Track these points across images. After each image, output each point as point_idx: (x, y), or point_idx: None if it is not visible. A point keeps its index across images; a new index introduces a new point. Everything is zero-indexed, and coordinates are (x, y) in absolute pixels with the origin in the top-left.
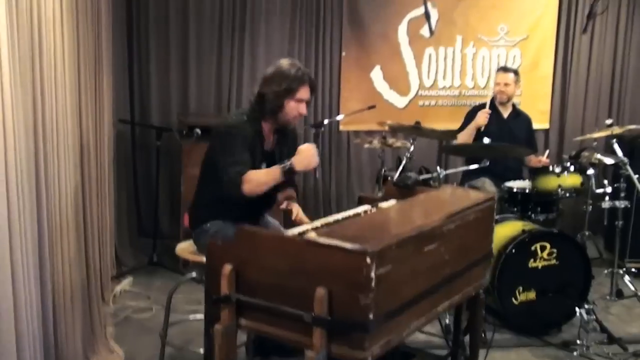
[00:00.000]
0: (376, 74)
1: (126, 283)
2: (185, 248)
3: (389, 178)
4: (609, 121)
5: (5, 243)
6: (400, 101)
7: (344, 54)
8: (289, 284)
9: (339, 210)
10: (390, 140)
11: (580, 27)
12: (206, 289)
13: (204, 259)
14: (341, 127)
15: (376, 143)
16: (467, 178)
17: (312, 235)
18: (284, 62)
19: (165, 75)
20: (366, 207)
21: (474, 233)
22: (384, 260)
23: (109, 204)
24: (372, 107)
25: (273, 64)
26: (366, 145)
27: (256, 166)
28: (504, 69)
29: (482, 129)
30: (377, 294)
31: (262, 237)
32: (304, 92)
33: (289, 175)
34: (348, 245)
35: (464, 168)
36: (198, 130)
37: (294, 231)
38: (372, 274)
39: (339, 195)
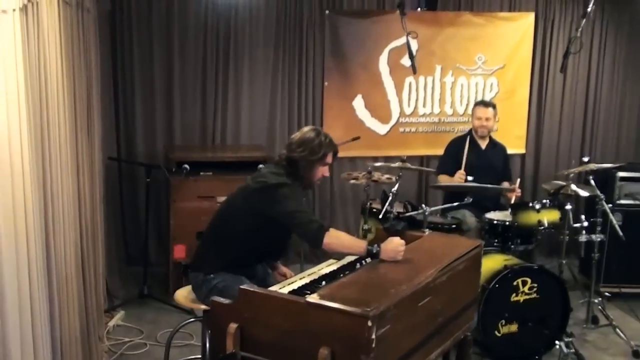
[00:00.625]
0: (358, 103)
1: (118, 317)
2: (185, 296)
3: (384, 221)
4: (585, 158)
5: (22, 295)
6: (381, 128)
7: (326, 83)
8: (293, 343)
9: None
10: (376, 176)
11: (555, 59)
12: (210, 345)
13: (204, 307)
14: None
15: (362, 179)
16: (448, 209)
17: (315, 297)
18: (310, 130)
19: (151, 111)
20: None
21: (463, 281)
22: (384, 321)
23: (101, 240)
24: (356, 138)
25: (299, 131)
26: (352, 181)
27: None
28: (484, 104)
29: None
30: (378, 353)
31: (265, 298)
32: (330, 157)
33: (370, 256)
34: (350, 308)
35: (448, 205)
36: (186, 166)
37: (283, 284)
38: (373, 336)
39: (323, 220)
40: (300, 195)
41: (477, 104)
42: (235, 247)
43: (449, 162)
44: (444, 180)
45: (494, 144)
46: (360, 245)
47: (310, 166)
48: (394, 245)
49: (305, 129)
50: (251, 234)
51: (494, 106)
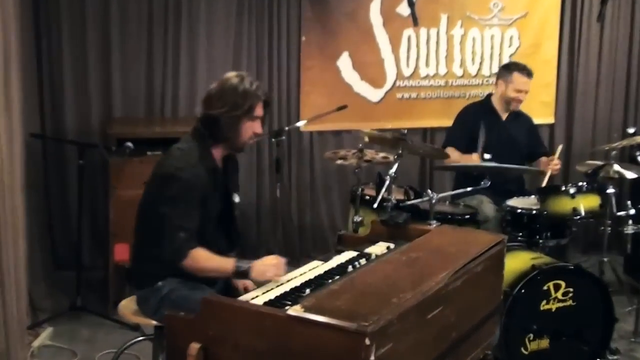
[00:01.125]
0: (344, 63)
1: (45, 336)
2: (130, 307)
3: (380, 212)
4: (631, 130)
5: None
6: (374, 94)
7: (303, 38)
8: None
9: (301, 238)
10: (369, 155)
11: (590, 5)
12: None
13: (154, 322)
14: (302, 129)
15: (351, 159)
16: (460, 196)
17: (298, 310)
18: (233, 77)
19: (83, 77)
20: (351, 253)
21: (482, 286)
22: (385, 338)
23: (22, 238)
24: (342, 108)
25: (219, 80)
26: (338, 162)
27: (214, 208)
28: (528, 72)
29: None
30: None
31: (235, 310)
32: (259, 109)
33: (239, 276)
34: (343, 323)
35: (461, 191)
36: (129, 144)
37: (257, 293)
38: (372, 357)
39: (302, 217)
40: (192, 199)
41: (516, 68)
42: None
43: (459, 135)
44: (453, 156)
45: (516, 114)
46: (227, 266)
47: (235, 123)
48: (268, 261)
49: (226, 75)
50: None
51: (533, 74)
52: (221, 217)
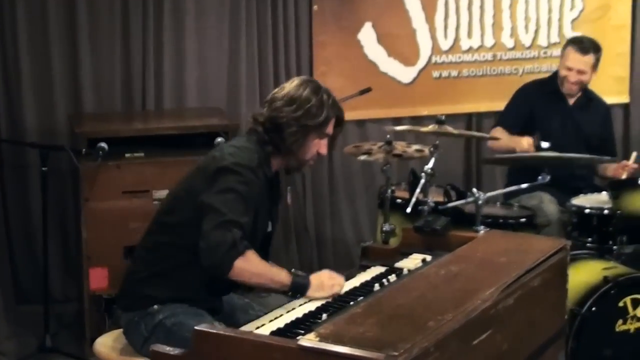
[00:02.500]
0: (367, 35)
1: None
2: (110, 345)
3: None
4: None
5: None
6: (405, 74)
7: (315, 7)
8: None
9: (320, 253)
10: (399, 148)
11: None
12: None
13: None
14: None
15: (377, 153)
16: (513, 194)
17: (311, 339)
18: (307, 82)
19: (46, 66)
20: (378, 269)
21: (541, 304)
22: None
23: None
24: (365, 91)
25: (289, 82)
26: (362, 158)
27: (262, 227)
28: (582, 47)
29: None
30: None
31: (235, 343)
32: (331, 127)
33: (293, 293)
34: (367, 353)
35: (514, 188)
36: (103, 145)
37: (263, 321)
38: None
39: (320, 227)
40: (251, 200)
41: (570, 43)
42: (185, 266)
43: (514, 115)
44: (501, 138)
45: (588, 99)
46: (283, 278)
47: (303, 135)
48: (323, 275)
49: (296, 81)
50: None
51: (596, 50)
52: (262, 244)
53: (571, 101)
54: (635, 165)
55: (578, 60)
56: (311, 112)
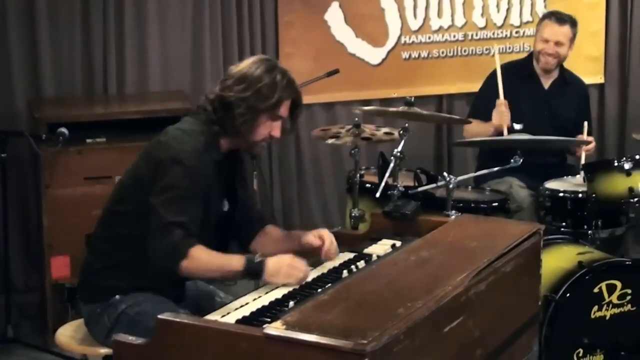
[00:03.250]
0: (334, 16)
1: None
2: (72, 336)
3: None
4: None
5: None
6: (373, 55)
7: None
8: None
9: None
10: (368, 131)
11: None
12: None
13: (103, 351)
14: None
15: (345, 137)
16: (485, 178)
17: (278, 327)
18: (263, 60)
19: (3, 51)
20: (346, 255)
21: (514, 290)
22: (390, 359)
23: None
24: (333, 72)
25: (245, 61)
26: (330, 141)
27: (214, 211)
28: (559, 18)
29: (506, 131)
30: None
31: (199, 332)
32: (285, 109)
33: (250, 276)
34: (334, 341)
35: (486, 171)
36: (64, 130)
37: (228, 309)
38: None
39: (288, 213)
40: (197, 191)
41: (546, 15)
42: (143, 255)
43: (487, 104)
44: (474, 129)
45: (564, 81)
46: (237, 263)
47: (253, 116)
48: (283, 263)
49: (252, 58)
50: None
51: (573, 24)
52: (219, 224)
53: (547, 85)
54: (590, 139)
55: (555, 32)
56: (262, 92)
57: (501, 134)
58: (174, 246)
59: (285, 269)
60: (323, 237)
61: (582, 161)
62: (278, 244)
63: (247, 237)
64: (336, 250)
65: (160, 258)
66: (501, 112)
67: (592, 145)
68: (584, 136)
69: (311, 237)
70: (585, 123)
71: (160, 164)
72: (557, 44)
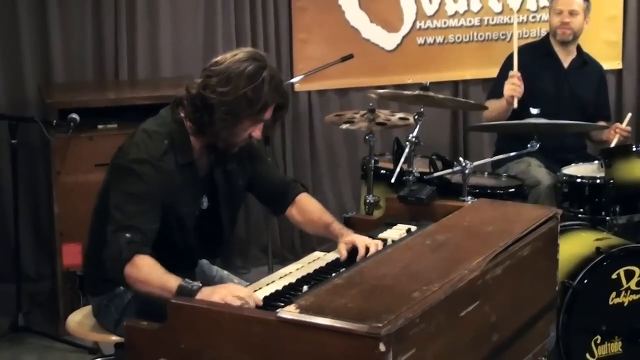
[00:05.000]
0: (348, 0)
1: None
2: (83, 323)
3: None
4: None
5: None
6: (388, 40)
7: None
8: None
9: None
10: (383, 117)
11: None
12: None
13: (115, 338)
14: (297, 87)
15: (360, 122)
16: (501, 163)
17: (291, 311)
18: (249, 58)
19: (13, 34)
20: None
21: (531, 275)
22: (405, 343)
23: None
24: (347, 58)
25: (230, 53)
26: (344, 127)
27: (189, 214)
28: None
29: (516, 103)
30: None
31: (212, 316)
32: (269, 112)
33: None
34: (349, 325)
35: (503, 156)
36: (74, 116)
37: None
38: None
39: None
40: (152, 195)
41: None
42: None
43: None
44: (490, 108)
45: (583, 61)
46: (170, 284)
47: (234, 122)
48: (229, 288)
49: (239, 54)
50: None
51: None
52: (200, 223)
53: (566, 64)
54: (628, 128)
55: (568, 2)
56: (246, 98)
57: (516, 111)
58: (120, 250)
59: (222, 290)
60: (357, 245)
61: (613, 144)
62: (315, 229)
63: (280, 208)
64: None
65: (108, 261)
66: (513, 84)
67: (627, 131)
68: (624, 125)
69: (342, 249)
70: (629, 114)
71: (114, 168)
72: (571, 13)
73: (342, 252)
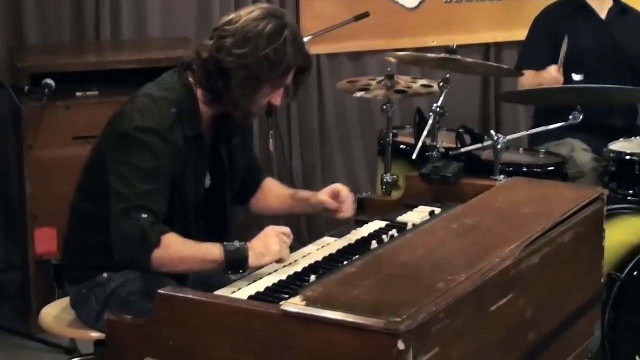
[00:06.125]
0: None
1: None
2: (59, 317)
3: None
4: None
5: None
6: None
7: None
8: None
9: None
10: (403, 83)
11: None
12: None
13: (95, 335)
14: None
15: (376, 90)
16: (540, 139)
17: (297, 303)
18: (268, 16)
19: None
20: (377, 224)
21: (572, 265)
22: (427, 341)
23: None
24: (362, 16)
25: (245, 11)
26: (359, 95)
27: (192, 193)
28: None
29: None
30: None
31: (207, 309)
32: (291, 76)
33: (232, 268)
34: (363, 320)
35: (541, 129)
36: (50, 82)
37: (239, 285)
38: None
39: (309, 180)
40: (164, 160)
41: None
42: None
43: (539, 49)
44: (530, 80)
45: (622, 9)
46: (212, 253)
47: (254, 87)
48: (269, 238)
49: (256, 12)
50: None
51: None
52: (202, 205)
53: (603, 14)
54: None
55: None
56: (267, 60)
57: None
58: (144, 234)
59: (273, 248)
60: (340, 194)
61: None
62: (282, 202)
63: (247, 196)
64: (352, 206)
65: (128, 247)
66: (552, 73)
67: None
68: None
69: (324, 196)
70: None
71: (121, 139)
72: None
73: (323, 197)
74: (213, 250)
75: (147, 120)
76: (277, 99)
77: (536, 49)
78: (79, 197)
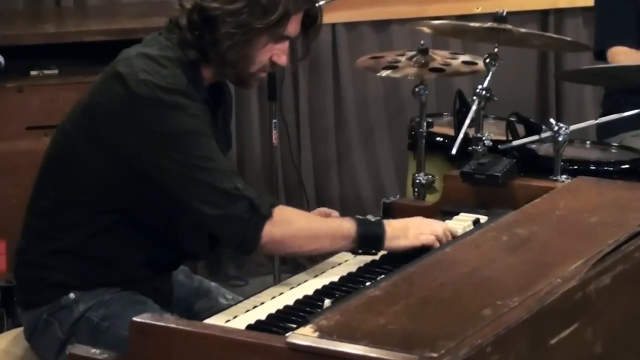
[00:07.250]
0: None
1: None
2: (4, 351)
3: (461, 160)
4: None
5: None
6: None
7: None
8: None
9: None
10: (439, 59)
11: None
12: None
13: None
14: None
15: (406, 68)
16: (610, 131)
17: (307, 334)
18: None
19: None
20: None
21: None
22: None
23: None
24: None
25: None
26: (383, 74)
27: None
28: None
29: None
30: None
31: (194, 340)
32: (294, 25)
33: (365, 246)
34: (391, 355)
35: (611, 117)
36: None
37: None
38: None
39: (322, 179)
40: (210, 130)
41: None
42: (108, 233)
43: (624, 20)
44: (627, 59)
45: None
46: (344, 226)
47: (247, 38)
48: (415, 223)
49: None
50: (110, 201)
51: None
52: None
53: None
54: None
55: None
56: (259, 4)
57: None
58: (252, 207)
59: (417, 231)
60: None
61: None
62: None
63: None
64: None
65: (240, 232)
66: None
67: None
68: None
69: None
70: None
71: (147, 106)
72: None
73: None
74: (344, 224)
75: (157, 78)
76: (280, 56)
77: (620, 22)
78: (40, 197)
